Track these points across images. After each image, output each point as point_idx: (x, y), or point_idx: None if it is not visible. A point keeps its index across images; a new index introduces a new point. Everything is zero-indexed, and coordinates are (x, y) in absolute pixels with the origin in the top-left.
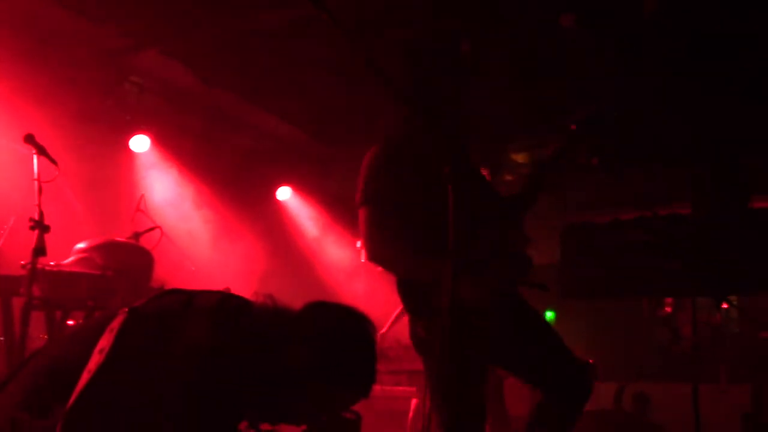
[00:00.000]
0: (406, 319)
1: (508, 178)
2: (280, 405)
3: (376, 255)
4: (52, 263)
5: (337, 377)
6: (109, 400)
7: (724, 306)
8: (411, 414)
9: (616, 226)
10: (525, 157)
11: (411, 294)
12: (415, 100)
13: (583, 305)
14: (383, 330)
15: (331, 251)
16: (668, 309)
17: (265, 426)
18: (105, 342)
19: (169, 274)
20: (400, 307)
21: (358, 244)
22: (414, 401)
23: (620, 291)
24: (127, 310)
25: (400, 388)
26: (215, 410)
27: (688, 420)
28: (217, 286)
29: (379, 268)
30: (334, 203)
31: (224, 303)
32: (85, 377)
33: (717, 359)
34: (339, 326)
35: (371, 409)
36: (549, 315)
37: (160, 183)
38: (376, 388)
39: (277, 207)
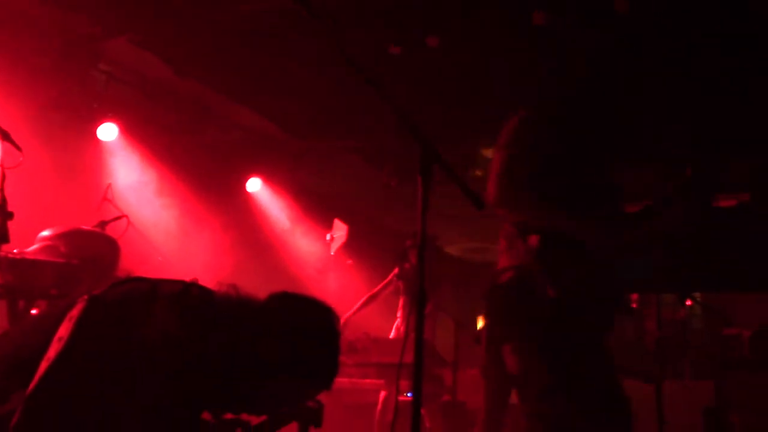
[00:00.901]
0: (370, 309)
1: (478, 173)
2: (243, 395)
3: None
4: (15, 251)
5: (300, 370)
6: (68, 387)
7: (688, 303)
8: (379, 406)
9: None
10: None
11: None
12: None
13: None
14: (346, 316)
15: (300, 244)
16: (634, 305)
17: (227, 416)
18: (64, 330)
19: (135, 264)
20: (365, 296)
21: (328, 236)
22: (383, 394)
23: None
24: (87, 297)
25: (369, 380)
26: (178, 398)
27: (652, 415)
28: (185, 277)
29: (350, 261)
30: (305, 196)
31: (188, 291)
32: (44, 365)
33: (681, 355)
34: (303, 318)
35: (339, 402)
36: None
37: (127, 172)
38: (345, 381)
39: (247, 198)
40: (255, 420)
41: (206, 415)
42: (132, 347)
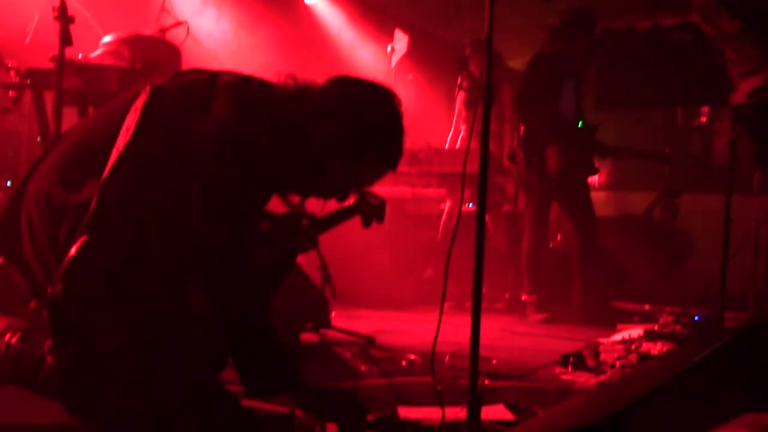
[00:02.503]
0: (430, 119)
1: None
2: (309, 179)
3: None
4: (80, 56)
5: (364, 148)
6: (139, 174)
7: None
8: (444, 216)
9: (656, 30)
10: None
11: None
12: None
13: (614, 115)
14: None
15: (361, 55)
16: (703, 119)
17: (294, 198)
18: (130, 121)
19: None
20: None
21: (389, 48)
22: (447, 203)
23: (656, 100)
24: (149, 88)
25: (431, 190)
26: (246, 178)
27: (719, 229)
28: None
29: (410, 75)
30: (363, 4)
31: (247, 80)
32: (114, 155)
33: (751, 169)
34: (364, 98)
35: (401, 211)
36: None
37: None
38: (407, 191)
39: (305, 10)
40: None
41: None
42: (194, 133)
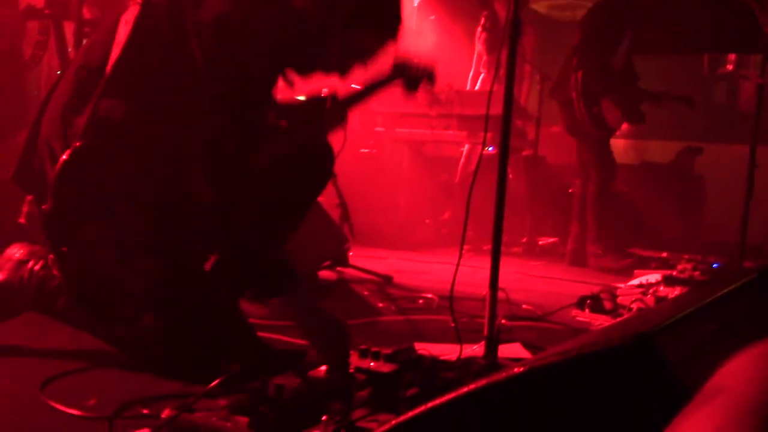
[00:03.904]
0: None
1: None
2: (308, 56)
3: None
4: None
5: (362, 18)
6: (135, 80)
7: None
8: (463, 159)
9: None
10: None
11: None
12: None
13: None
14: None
15: None
16: (730, 67)
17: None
18: (122, 35)
19: None
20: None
21: None
22: (466, 146)
23: (685, 46)
24: (140, 1)
25: (451, 132)
26: (246, 62)
27: (740, 179)
28: None
29: (432, 16)
30: None
31: None
32: (108, 69)
33: None
34: None
35: (420, 153)
36: None
37: None
38: (426, 133)
39: None
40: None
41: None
42: (190, 31)
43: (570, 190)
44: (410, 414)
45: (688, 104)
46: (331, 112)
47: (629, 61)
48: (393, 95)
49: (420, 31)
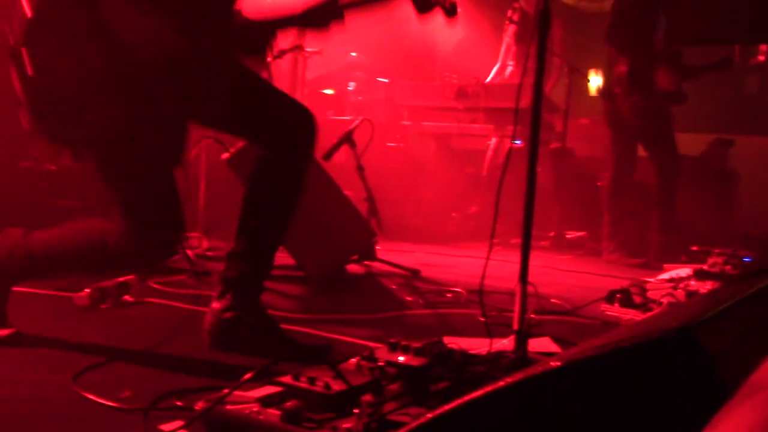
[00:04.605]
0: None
1: None
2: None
3: None
4: None
5: None
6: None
7: None
8: (490, 152)
9: None
10: None
11: None
12: None
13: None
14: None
15: None
16: (761, 57)
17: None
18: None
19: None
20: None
21: None
22: (493, 140)
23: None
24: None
25: (477, 125)
26: None
27: None
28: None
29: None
30: None
31: None
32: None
33: None
34: None
35: (448, 146)
36: None
37: None
38: (454, 126)
39: None
40: None
41: None
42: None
43: (599, 183)
44: (447, 407)
45: (727, 65)
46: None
47: (668, 42)
48: (418, 88)
49: (446, 24)
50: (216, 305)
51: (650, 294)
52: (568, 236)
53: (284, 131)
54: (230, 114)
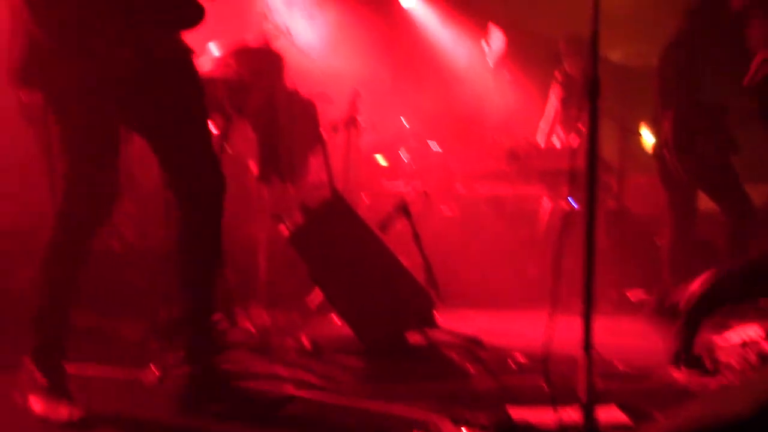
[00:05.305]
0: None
1: None
2: None
3: None
4: None
5: None
6: None
7: None
8: (544, 215)
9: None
10: None
11: None
12: None
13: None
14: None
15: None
16: None
17: None
18: None
19: (298, 77)
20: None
21: (484, 44)
22: (547, 201)
23: None
24: None
25: (531, 188)
26: None
27: None
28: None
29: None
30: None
31: None
32: None
33: None
34: None
35: (501, 210)
36: None
37: None
38: (506, 188)
39: (401, 13)
40: None
41: None
42: None
43: (658, 242)
44: None
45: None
46: None
47: (717, 95)
48: (469, 153)
49: (496, 89)
50: (169, 365)
51: (719, 356)
52: (629, 297)
53: (198, 184)
54: (168, 133)
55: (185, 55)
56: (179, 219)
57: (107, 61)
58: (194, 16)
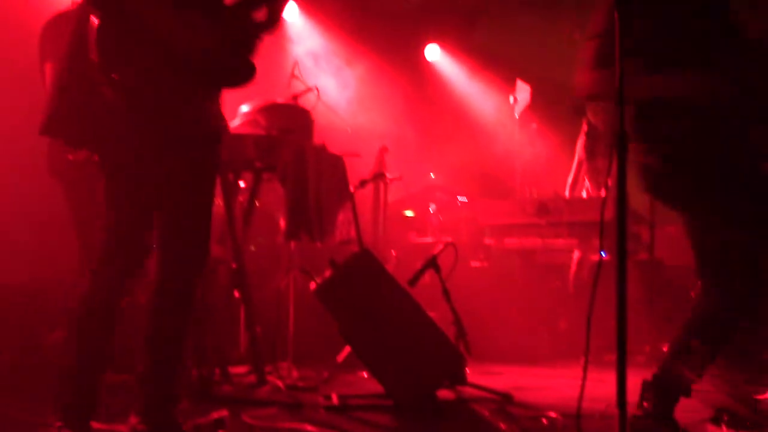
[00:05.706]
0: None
1: None
2: None
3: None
4: None
5: None
6: None
7: None
8: (574, 267)
9: None
10: None
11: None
12: None
13: None
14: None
15: (483, 108)
16: None
17: None
18: None
19: (326, 133)
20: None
21: (511, 99)
22: (576, 253)
23: None
24: None
25: (561, 240)
26: None
27: None
28: (373, 144)
29: (534, 125)
30: (483, 57)
31: None
32: None
33: None
34: None
35: (532, 262)
36: None
37: (307, 45)
38: (537, 241)
39: (426, 67)
40: None
41: None
42: None
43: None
44: None
45: None
46: None
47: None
48: (498, 206)
49: (523, 141)
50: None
51: (762, 410)
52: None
53: (189, 251)
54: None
55: (222, 121)
56: (158, 279)
57: (174, 122)
58: (248, 74)
